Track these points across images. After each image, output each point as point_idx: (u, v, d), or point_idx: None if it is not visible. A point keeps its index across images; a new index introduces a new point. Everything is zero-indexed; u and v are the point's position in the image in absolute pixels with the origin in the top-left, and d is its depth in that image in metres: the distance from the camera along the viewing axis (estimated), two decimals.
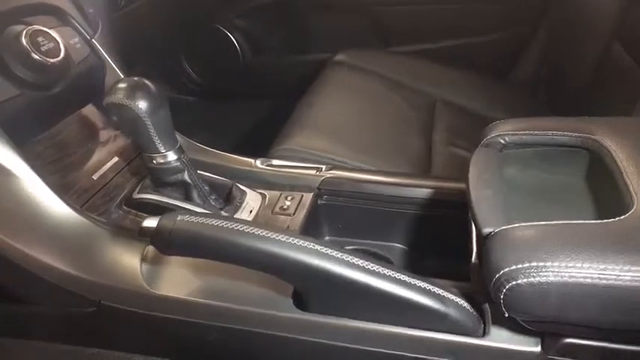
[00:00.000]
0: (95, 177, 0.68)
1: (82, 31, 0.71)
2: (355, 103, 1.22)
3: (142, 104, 0.58)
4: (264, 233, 0.48)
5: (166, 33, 1.68)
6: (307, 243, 0.48)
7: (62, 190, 0.65)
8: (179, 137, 0.76)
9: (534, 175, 0.58)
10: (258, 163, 0.75)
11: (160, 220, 0.50)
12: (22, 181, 0.57)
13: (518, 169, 0.59)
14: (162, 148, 0.62)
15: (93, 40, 0.72)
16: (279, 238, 0.47)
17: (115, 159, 0.72)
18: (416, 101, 1.29)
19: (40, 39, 0.60)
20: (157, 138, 0.61)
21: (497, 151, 0.59)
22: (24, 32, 0.59)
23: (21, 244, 0.57)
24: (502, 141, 0.59)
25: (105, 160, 0.71)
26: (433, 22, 1.60)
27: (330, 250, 0.48)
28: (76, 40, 0.69)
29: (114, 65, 0.74)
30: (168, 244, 0.50)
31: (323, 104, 1.18)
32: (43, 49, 0.60)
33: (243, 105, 1.90)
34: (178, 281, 0.56)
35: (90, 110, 0.73)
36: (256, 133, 1.80)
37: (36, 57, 0.59)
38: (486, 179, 0.55)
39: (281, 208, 0.68)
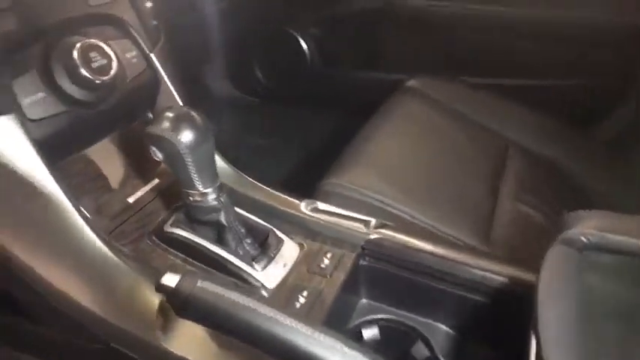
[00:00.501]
0: (131, 200, 0.65)
1: (142, 44, 0.67)
2: (419, 138, 1.14)
3: (185, 139, 0.54)
4: (284, 319, 0.42)
5: (240, 33, 1.67)
6: (332, 340, 0.41)
7: (94, 212, 0.62)
8: (227, 166, 0.72)
9: (622, 293, 0.48)
10: (303, 206, 0.69)
11: (179, 281, 0.45)
12: (50, 202, 0.54)
13: (602, 280, 0.49)
14: (200, 186, 0.58)
15: (151, 54, 0.69)
16: (301, 328, 0.41)
17: (155, 181, 0.68)
18: (486, 143, 1.19)
19: (92, 54, 0.57)
20: (196, 175, 0.57)
21: (576, 251, 0.50)
22: (76, 46, 0.56)
23: (39, 267, 0.54)
24: (584, 239, 0.50)
25: (144, 181, 0.67)
26: (515, 56, 1.48)
27: (356, 353, 0.41)
28: (134, 53, 0.66)
29: (168, 82, 0.70)
30: (184, 308, 0.45)
31: (385, 136, 1.11)
32: (94, 65, 0.57)
33: (307, 114, 1.87)
34: (193, 340, 0.51)
35: (138, 126, 0.70)
36: (314, 146, 1.76)
37: (84, 74, 0.56)
38: (560, 290, 0.46)
39: (318, 265, 0.62)
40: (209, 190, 0.58)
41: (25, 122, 0.53)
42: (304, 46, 1.82)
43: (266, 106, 1.97)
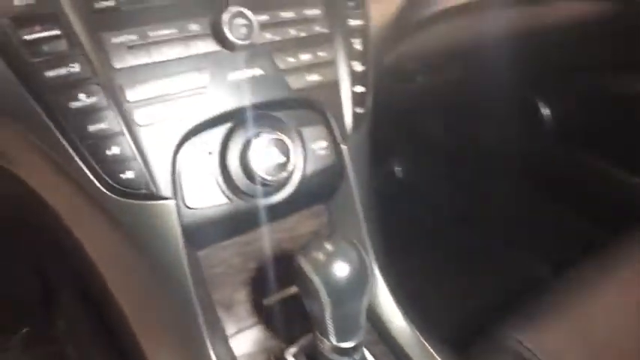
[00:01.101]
0: (266, 302, 0.58)
1: (336, 134, 0.58)
2: None
3: (331, 289, 0.43)
4: None
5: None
6: None
7: (226, 307, 0.57)
8: (392, 300, 0.60)
9: None
10: None
11: None
12: (178, 292, 0.49)
13: None
14: (334, 339, 0.47)
15: (344, 146, 0.59)
16: None
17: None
18: None
19: (271, 149, 0.50)
20: (332, 329, 0.46)
21: None
22: (258, 136, 0.50)
23: (149, 348, 0.51)
24: None
25: (286, 284, 0.59)
26: None
27: None
28: (323, 144, 0.57)
29: (353, 181, 0.60)
30: None
31: (611, 288, 0.84)
32: (270, 163, 0.50)
33: (521, 190, 1.61)
34: None
35: (304, 220, 0.62)
36: (514, 231, 1.51)
37: (258, 172, 0.49)
38: None
39: None
40: (344, 345, 0.47)
41: (182, 208, 0.49)
42: (543, 115, 1.57)
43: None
